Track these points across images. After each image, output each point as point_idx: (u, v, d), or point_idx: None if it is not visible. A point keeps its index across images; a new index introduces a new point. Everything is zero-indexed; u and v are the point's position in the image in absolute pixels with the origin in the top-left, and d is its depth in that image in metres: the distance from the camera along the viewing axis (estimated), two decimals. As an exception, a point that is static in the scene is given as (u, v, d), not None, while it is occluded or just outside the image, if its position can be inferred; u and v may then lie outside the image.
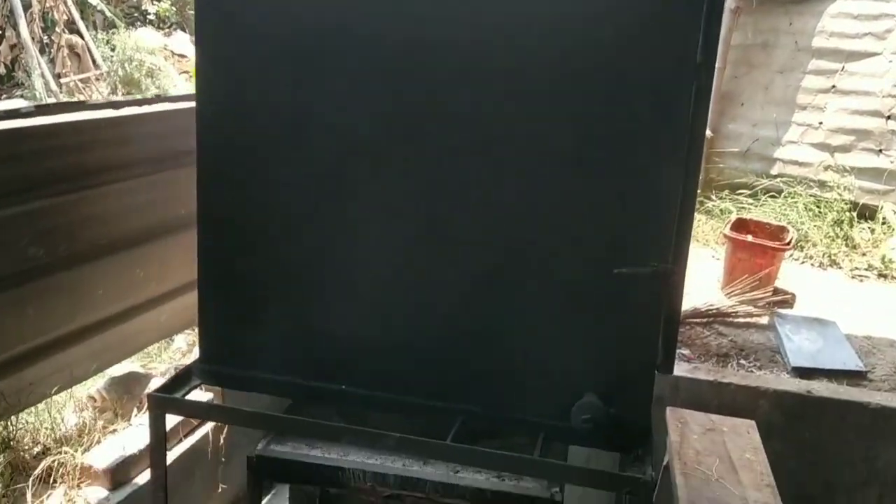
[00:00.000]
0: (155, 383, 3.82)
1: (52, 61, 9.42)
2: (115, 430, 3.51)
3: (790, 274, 5.38)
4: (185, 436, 3.70)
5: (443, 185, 2.44)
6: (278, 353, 2.57)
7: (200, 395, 3.42)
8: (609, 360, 2.42)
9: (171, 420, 3.61)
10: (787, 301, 4.82)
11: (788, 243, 4.96)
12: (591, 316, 2.37)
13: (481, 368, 2.50)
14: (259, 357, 2.59)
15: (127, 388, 3.72)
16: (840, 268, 5.73)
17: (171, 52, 10.67)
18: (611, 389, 2.41)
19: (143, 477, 3.39)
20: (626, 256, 2.31)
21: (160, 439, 2.54)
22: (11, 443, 3.15)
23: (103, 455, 3.31)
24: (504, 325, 2.44)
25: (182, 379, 2.68)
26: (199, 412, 2.48)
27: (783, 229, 5.21)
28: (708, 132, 6.29)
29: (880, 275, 5.58)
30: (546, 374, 2.46)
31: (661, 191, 2.26)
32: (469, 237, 2.44)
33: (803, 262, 5.84)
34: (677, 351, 2.68)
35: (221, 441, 3.95)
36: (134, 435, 3.49)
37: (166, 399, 2.51)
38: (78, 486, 3.20)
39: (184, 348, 4.47)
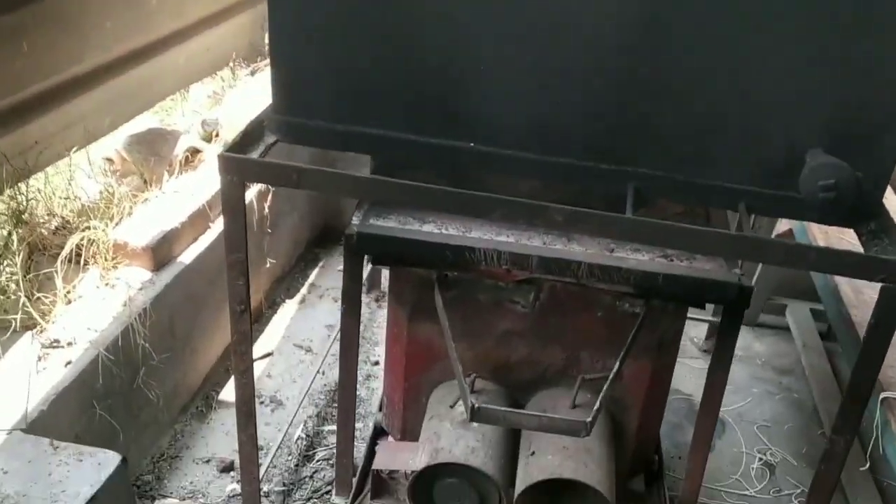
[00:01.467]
0: (186, 141, 3.15)
1: None
2: (146, 200, 2.90)
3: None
4: (228, 205, 3.10)
5: None
6: (384, 100, 1.90)
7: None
8: (844, 104, 1.78)
9: (207, 189, 3.00)
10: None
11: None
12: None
13: (663, 119, 1.85)
14: (356, 106, 1.91)
15: (151, 147, 3.06)
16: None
17: None
18: (843, 147, 1.79)
19: (189, 255, 2.84)
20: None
21: (237, 213, 1.93)
22: (24, 216, 2.53)
23: (139, 230, 2.73)
24: (694, 52, 1.76)
25: (252, 136, 2.02)
26: (288, 177, 1.86)
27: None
28: None
29: None
30: (753, 123, 1.83)
31: None
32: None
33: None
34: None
35: (266, 210, 3.38)
36: (171, 205, 2.89)
37: (243, 162, 1.87)
38: (114, 266, 2.64)
39: (203, 102, 3.74)
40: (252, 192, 3.27)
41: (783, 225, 3.28)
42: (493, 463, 2.09)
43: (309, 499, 2.64)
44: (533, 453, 2.13)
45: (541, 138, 1.92)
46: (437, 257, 2.07)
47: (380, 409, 2.71)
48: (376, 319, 3.56)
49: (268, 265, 3.47)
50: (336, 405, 3.03)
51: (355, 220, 2.12)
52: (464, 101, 1.89)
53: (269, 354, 3.31)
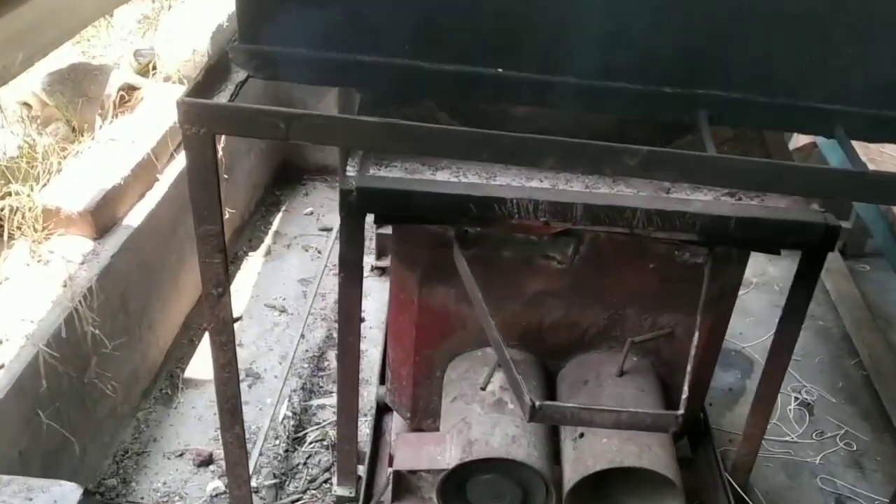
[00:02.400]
0: (118, 77, 2.64)
1: None
2: (77, 153, 2.41)
3: None
4: (176, 150, 2.64)
5: None
6: (388, 19, 1.46)
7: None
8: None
9: (150, 133, 2.53)
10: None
11: None
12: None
13: (742, 29, 1.48)
14: (351, 27, 1.48)
15: (77, 86, 2.55)
16: None
17: None
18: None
19: (136, 215, 2.39)
20: None
21: (207, 175, 1.50)
22: (-76, 184, 2.04)
23: (73, 190, 2.26)
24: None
25: (216, 73, 1.58)
26: (272, 127, 1.43)
27: None
28: None
29: None
30: (858, 27, 1.47)
31: None
32: None
33: None
34: None
35: (220, 154, 2.90)
36: (108, 156, 2.41)
37: (212, 109, 1.43)
38: (46, 238, 2.18)
39: (133, 28, 3.19)
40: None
41: (802, 139, 2.95)
42: (538, 453, 1.77)
43: (306, 490, 2.30)
44: (581, 435, 1.81)
45: (589, 59, 1.52)
46: (459, 212, 1.68)
47: (381, 383, 2.36)
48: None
49: (226, 216, 3.02)
50: (322, 374, 2.68)
51: (351, 171, 1.70)
52: (494, 16, 1.47)
53: (237, 319, 2.90)
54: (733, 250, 1.83)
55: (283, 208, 3.55)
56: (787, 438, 2.56)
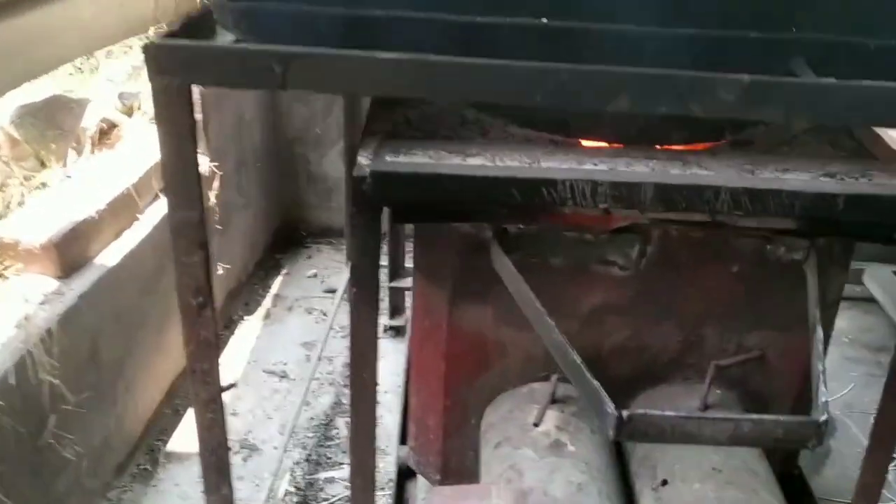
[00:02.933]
0: (98, 111, 2.38)
1: None
2: (43, 184, 2.11)
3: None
4: (162, 191, 2.34)
5: None
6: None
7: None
8: None
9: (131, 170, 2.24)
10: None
11: None
12: None
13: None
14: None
15: (50, 119, 2.28)
16: None
17: None
18: None
19: (112, 255, 2.07)
20: None
21: (182, 136, 1.18)
22: None
23: (35, 223, 1.94)
24: None
25: (196, 29, 1.30)
26: (264, 72, 1.14)
27: None
28: None
29: None
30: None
31: None
32: None
33: None
34: None
35: (213, 199, 2.62)
36: (81, 190, 2.11)
37: (188, 51, 1.13)
38: (0, 275, 1.85)
39: (121, 76, 2.96)
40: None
41: None
42: (611, 503, 1.38)
43: (312, 579, 1.88)
44: (665, 483, 1.42)
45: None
46: (499, 200, 1.35)
47: (402, 443, 1.97)
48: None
49: (220, 272, 2.70)
50: (330, 444, 2.29)
51: (363, 160, 1.39)
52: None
53: (231, 386, 2.54)
54: (836, 246, 1.50)
55: (284, 271, 3.23)
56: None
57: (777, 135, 1.57)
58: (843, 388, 2.58)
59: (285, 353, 2.71)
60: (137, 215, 2.22)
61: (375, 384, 1.51)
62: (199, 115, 2.60)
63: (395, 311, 2.79)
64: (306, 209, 3.41)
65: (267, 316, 2.92)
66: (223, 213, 2.73)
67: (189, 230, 1.25)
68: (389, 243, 2.68)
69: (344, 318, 2.99)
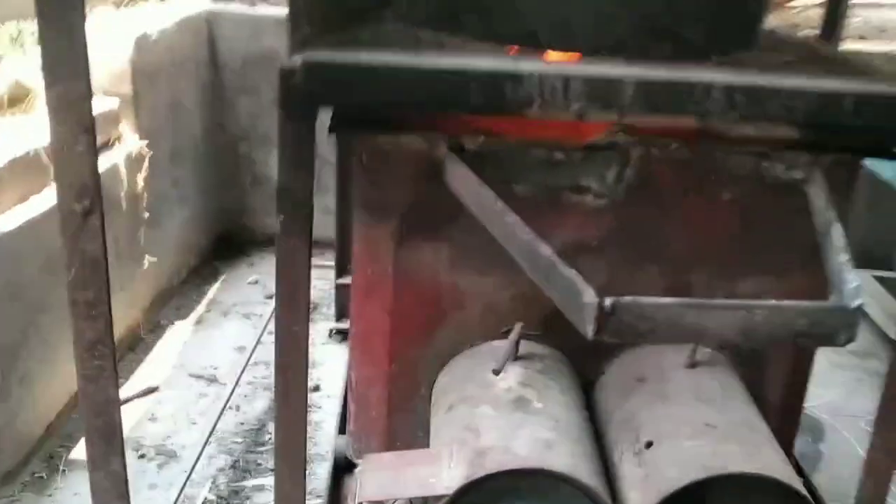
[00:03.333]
0: (8, 71, 2.15)
1: None
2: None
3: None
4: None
5: None
6: None
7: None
8: None
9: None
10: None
11: None
12: None
13: None
14: None
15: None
16: None
17: None
18: None
19: (9, 220, 1.81)
20: None
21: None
22: None
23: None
24: None
25: None
26: None
27: None
28: None
29: None
30: None
31: None
32: None
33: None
34: None
35: (141, 184, 2.38)
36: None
37: None
38: None
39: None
40: (119, 155, 2.27)
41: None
42: (589, 466, 1.14)
43: None
44: (649, 445, 1.18)
45: None
46: (456, 99, 1.14)
47: (341, 432, 1.71)
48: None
49: (146, 265, 2.43)
50: (261, 450, 2.01)
51: (294, 54, 1.17)
52: None
53: (152, 390, 2.24)
54: (843, 164, 1.31)
55: (223, 278, 2.96)
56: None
57: (771, 59, 1.40)
58: (828, 392, 2.37)
59: (217, 358, 2.43)
60: (47, 181, 1.97)
61: (307, 338, 1.26)
62: (128, 87, 2.37)
63: (343, 312, 2.53)
64: (250, 214, 3.16)
65: (199, 321, 2.65)
66: (153, 202, 2.48)
67: (73, 108, 1.02)
68: (337, 234, 2.45)
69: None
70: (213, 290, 2.85)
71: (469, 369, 1.33)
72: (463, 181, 1.16)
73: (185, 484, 1.84)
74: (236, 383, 2.23)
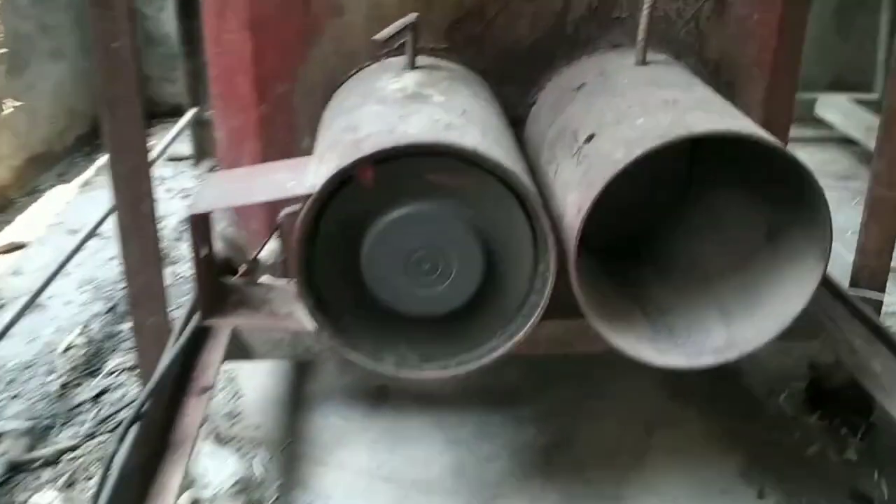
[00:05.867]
0: None
1: None
2: None
3: None
4: None
5: None
6: None
7: None
8: None
9: None
10: None
11: None
12: None
13: None
14: None
15: None
16: None
17: None
18: None
19: None
20: None
21: None
22: None
23: None
24: None
25: None
26: None
27: None
28: None
29: None
30: None
31: None
32: None
33: None
34: None
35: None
36: None
37: None
38: None
39: None
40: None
41: None
42: (504, 153, 0.86)
43: (92, 435, 1.30)
44: (590, 138, 0.90)
45: None
46: None
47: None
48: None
49: (7, 110, 2.09)
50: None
51: None
52: None
53: (19, 246, 1.93)
54: None
55: (117, 148, 2.62)
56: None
57: None
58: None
59: (101, 216, 2.11)
60: None
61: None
62: None
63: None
64: (145, 82, 2.80)
65: (86, 184, 2.33)
66: (13, 43, 2.13)
67: None
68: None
69: (184, 182, 2.42)
70: (104, 159, 2.51)
71: (357, 85, 1.03)
72: None
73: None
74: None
